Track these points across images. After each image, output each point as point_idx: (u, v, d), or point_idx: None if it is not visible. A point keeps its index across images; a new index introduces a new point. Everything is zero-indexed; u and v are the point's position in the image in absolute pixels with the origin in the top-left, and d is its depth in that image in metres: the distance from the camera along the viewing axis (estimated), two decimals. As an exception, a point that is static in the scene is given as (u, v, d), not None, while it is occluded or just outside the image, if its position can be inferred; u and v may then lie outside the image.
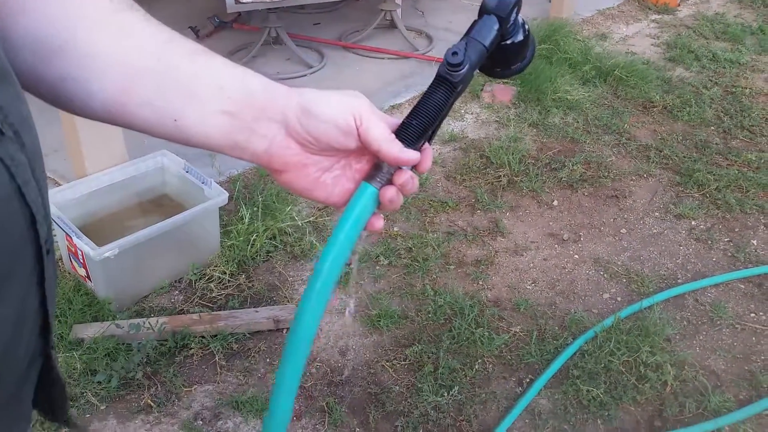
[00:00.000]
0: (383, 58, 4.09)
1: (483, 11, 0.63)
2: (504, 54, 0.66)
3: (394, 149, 0.60)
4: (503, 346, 2.18)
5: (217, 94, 0.59)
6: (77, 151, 2.48)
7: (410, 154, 0.61)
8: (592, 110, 3.62)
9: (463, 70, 0.61)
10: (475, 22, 0.63)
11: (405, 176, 0.61)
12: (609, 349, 2.17)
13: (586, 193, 2.96)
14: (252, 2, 3.53)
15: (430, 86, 0.63)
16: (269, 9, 3.71)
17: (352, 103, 0.60)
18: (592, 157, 3.19)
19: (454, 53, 0.60)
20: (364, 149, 0.62)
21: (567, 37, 4.18)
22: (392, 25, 4.31)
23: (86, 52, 0.56)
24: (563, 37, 4.14)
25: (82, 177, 2.49)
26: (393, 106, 3.55)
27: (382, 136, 0.60)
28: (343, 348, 2.16)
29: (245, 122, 0.59)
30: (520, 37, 0.66)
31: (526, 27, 0.67)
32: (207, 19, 4.24)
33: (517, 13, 0.64)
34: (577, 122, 3.49)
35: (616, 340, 2.20)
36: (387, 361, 2.11)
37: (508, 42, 0.65)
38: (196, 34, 4.09)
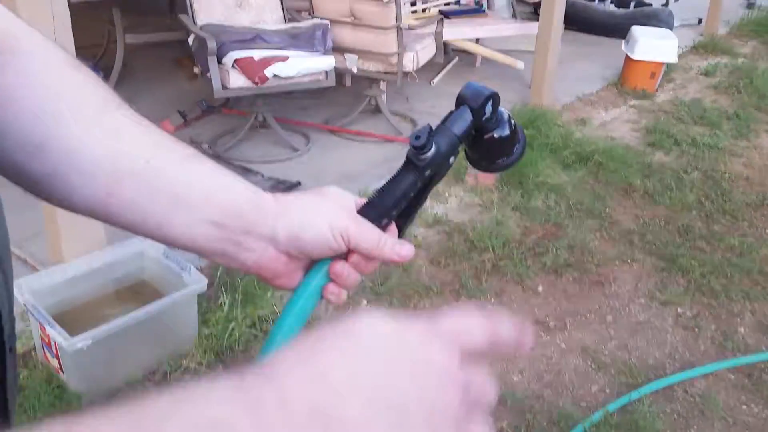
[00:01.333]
0: (368, 142, 4.14)
1: (458, 102, 0.65)
2: (488, 147, 0.68)
3: (386, 251, 0.60)
4: (489, 442, 2.10)
5: (205, 203, 0.58)
6: (55, 235, 2.45)
7: (405, 250, 0.61)
8: (574, 194, 3.65)
9: (428, 154, 0.61)
10: (450, 112, 0.65)
11: (354, 257, 0.61)
12: (599, 445, 2.10)
13: (570, 279, 2.95)
14: (239, 88, 3.58)
15: (399, 168, 0.64)
16: (256, 95, 3.77)
17: (338, 224, 0.59)
18: (575, 241, 3.19)
19: (417, 136, 0.61)
20: None
21: (548, 122, 4.27)
22: (377, 110, 4.39)
23: (72, 149, 0.56)
24: (544, 122, 4.22)
25: (59, 262, 2.44)
26: (377, 190, 3.55)
27: (372, 246, 0.60)
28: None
29: (233, 234, 0.58)
30: (505, 132, 0.67)
31: (513, 122, 0.67)
32: (195, 104, 4.29)
33: (494, 107, 0.65)
34: (559, 206, 3.52)
35: (605, 434, 2.14)
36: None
37: (492, 135, 0.66)
38: (184, 118, 4.14)
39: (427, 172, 0.62)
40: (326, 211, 0.60)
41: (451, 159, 0.64)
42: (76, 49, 2.35)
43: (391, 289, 2.76)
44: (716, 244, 3.28)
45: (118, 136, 0.57)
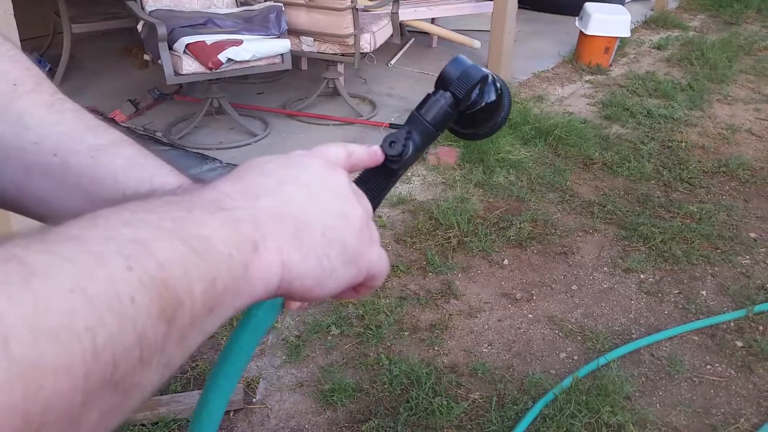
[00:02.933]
0: (328, 125, 4.10)
1: (441, 82, 0.57)
2: (471, 119, 0.61)
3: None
4: (463, 415, 2.10)
5: (121, 199, 0.52)
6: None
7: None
8: (535, 169, 3.67)
9: (405, 158, 0.56)
10: (428, 96, 0.58)
11: None
12: (570, 411, 2.11)
13: (535, 251, 2.96)
14: (192, 74, 3.50)
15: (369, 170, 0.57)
16: (210, 80, 3.69)
17: None
18: (538, 215, 3.21)
19: (392, 142, 0.55)
20: None
21: (507, 99, 4.26)
22: (335, 93, 4.34)
23: None
24: (503, 99, 4.22)
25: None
26: (339, 172, 3.52)
27: None
28: (295, 428, 2.05)
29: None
30: (491, 98, 0.60)
31: (499, 86, 0.61)
32: (147, 92, 4.18)
33: (483, 89, 0.58)
34: (521, 181, 3.53)
35: (576, 401, 2.15)
36: (342, 439, 2.00)
37: (477, 108, 0.60)
38: (136, 107, 4.03)
39: (401, 172, 0.57)
40: None
41: (428, 147, 0.58)
42: (21, 41, 2.26)
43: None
44: (675, 211, 3.33)
45: (28, 126, 0.52)
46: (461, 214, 3.11)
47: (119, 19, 4.43)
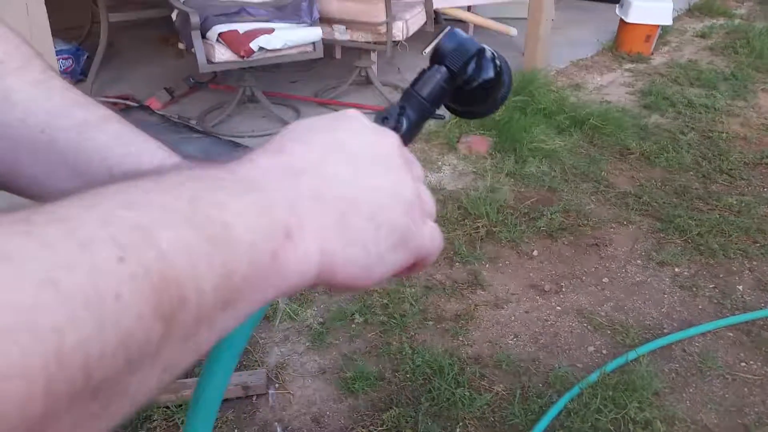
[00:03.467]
0: (359, 114, 4.08)
1: (436, 57, 0.56)
2: (468, 96, 0.59)
3: None
4: (485, 406, 2.07)
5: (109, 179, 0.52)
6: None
7: None
8: (569, 159, 3.60)
9: (399, 134, 0.52)
10: (423, 72, 0.56)
11: None
12: (595, 406, 2.07)
13: (566, 242, 2.91)
14: (225, 62, 3.52)
15: None
16: (243, 68, 3.71)
17: None
18: (570, 205, 3.15)
19: (385, 118, 0.53)
20: None
21: (541, 88, 4.20)
22: (368, 81, 4.33)
23: None
24: (537, 88, 4.16)
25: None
26: (369, 161, 3.50)
27: None
28: (316, 414, 2.05)
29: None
30: (489, 74, 0.57)
31: (498, 63, 0.58)
32: (182, 80, 4.23)
33: (479, 63, 0.56)
34: (554, 171, 3.47)
35: (602, 396, 2.11)
36: (363, 427, 2.00)
37: (475, 85, 0.58)
38: (171, 95, 4.08)
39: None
40: None
41: (424, 123, 0.56)
42: (59, 31, 2.30)
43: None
44: (714, 203, 3.23)
45: (11, 102, 0.51)
46: (491, 204, 3.07)
47: (155, 9, 4.48)
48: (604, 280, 2.70)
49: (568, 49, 5.35)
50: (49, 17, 2.39)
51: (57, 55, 3.99)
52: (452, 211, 3.05)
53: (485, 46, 0.56)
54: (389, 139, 0.42)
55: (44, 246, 0.24)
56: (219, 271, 0.30)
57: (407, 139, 0.54)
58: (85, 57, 4.33)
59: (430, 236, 0.43)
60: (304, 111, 4.06)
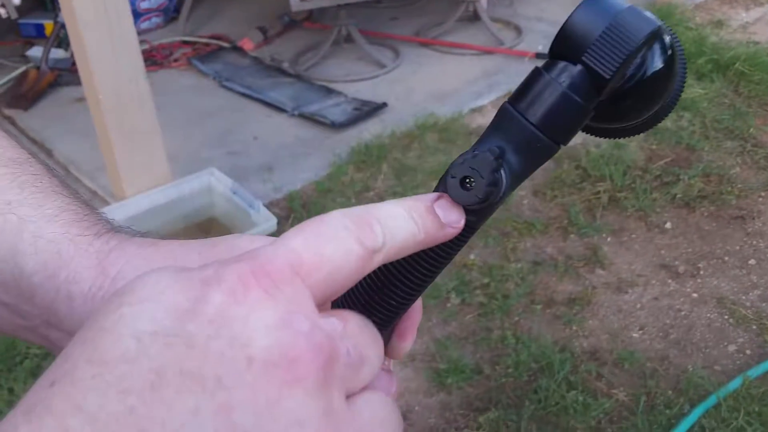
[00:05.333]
0: (465, 54, 3.69)
1: (557, 51, 0.31)
2: (622, 104, 0.33)
3: None
4: (602, 416, 1.76)
5: None
6: (114, 172, 2.25)
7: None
8: (710, 110, 3.09)
9: (493, 200, 0.31)
10: (534, 75, 0.32)
11: None
12: (737, 423, 1.71)
13: (705, 214, 2.47)
14: (318, -2, 3.22)
15: None
16: (339, 5, 3.40)
17: None
18: (711, 168, 2.68)
19: (468, 180, 0.30)
20: None
21: (677, 25, 3.67)
22: (476, 17, 3.91)
23: None
24: (673, 25, 3.62)
25: (121, 198, 2.26)
26: (473, 109, 3.15)
27: None
28: (404, 407, 1.81)
29: (29, 321, 0.34)
30: (657, 63, 0.32)
31: (668, 39, 0.32)
32: (276, 18, 3.98)
33: (647, 52, 0.32)
34: (693, 125, 2.98)
35: (745, 410, 1.74)
36: (456, 430, 1.74)
37: (630, 86, 0.32)
38: (265, 34, 3.84)
39: (480, 224, 0.32)
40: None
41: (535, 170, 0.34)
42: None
43: (486, 225, 2.41)
44: None
45: None
46: (615, 164, 2.65)
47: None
48: (750, 262, 2.27)
49: (710, -21, 4.66)
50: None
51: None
52: (569, 171, 2.66)
53: (658, 21, 0.31)
54: (304, 381, 0.22)
55: None
56: None
57: (497, 203, 0.32)
58: (177, -2, 4.15)
59: None
60: (404, 51, 3.71)
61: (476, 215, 0.31)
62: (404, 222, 0.27)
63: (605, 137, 0.37)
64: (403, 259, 0.30)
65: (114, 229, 0.36)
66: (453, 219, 0.29)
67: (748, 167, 2.73)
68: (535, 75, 0.31)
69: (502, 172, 0.30)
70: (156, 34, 3.98)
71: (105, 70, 2.10)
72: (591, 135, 0.36)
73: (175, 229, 2.29)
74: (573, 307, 2.09)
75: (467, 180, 0.29)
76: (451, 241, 0.31)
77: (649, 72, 0.32)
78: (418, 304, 0.34)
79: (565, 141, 0.32)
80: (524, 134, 0.31)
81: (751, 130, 2.95)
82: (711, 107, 3.11)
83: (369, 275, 0.30)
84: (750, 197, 2.56)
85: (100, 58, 2.08)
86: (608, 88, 0.31)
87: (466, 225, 0.31)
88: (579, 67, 0.30)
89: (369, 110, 3.08)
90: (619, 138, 0.38)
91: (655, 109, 0.34)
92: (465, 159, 0.29)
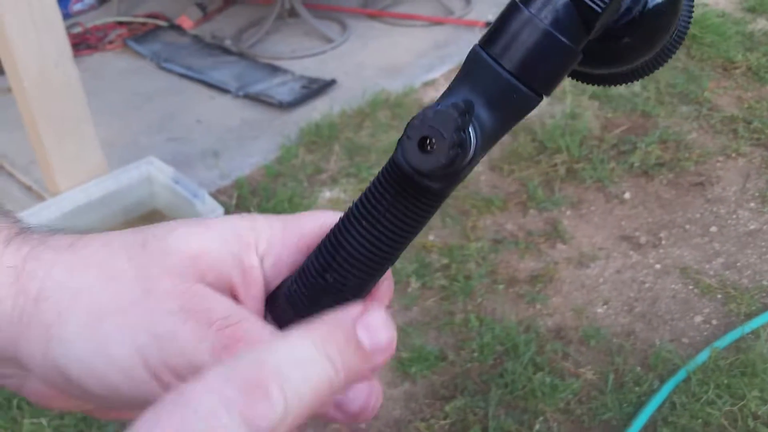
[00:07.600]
0: (415, 26, 3.58)
1: None
2: (617, 44, 0.30)
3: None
4: (571, 396, 1.71)
5: None
6: (45, 164, 2.10)
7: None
8: (664, 75, 3.05)
9: (461, 166, 0.27)
10: (508, 12, 0.27)
11: None
12: (707, 397, 1.68)
13: (664, 182, 2.43)
14: (259, -29, 3.06)
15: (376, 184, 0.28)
16: (281, -23, 3.25)
17: (165, 346, 0.28)
18: (668, 134, 2.65)
19: (427, 140, 0.24)
20: None
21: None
22: (424, -13, 3.79)
23: None
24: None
25: (56, 194, 2.11)
26: (426, 83, 3.05)
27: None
28: (367, 401, 1.73)
29: None
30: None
31: None
32: (216, -7, 3.79)
33: None
34: (647, 91, 2.94)
35: (715, 382, 1.72)
36: (422, 421, 1.67)
37: (626, 22, 0.29)
38: (203, 11, 3.65)
39: (449, 191, 0.29)
40: (139, 320, 0.29)
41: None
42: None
43: (445, 204, 2.33)
44: (844, 128, 2.67)
45: None
46: (571, 135, 2.60)
47: None
48: (711, 229, 2.24)
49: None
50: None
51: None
52: (525, 144, 2.60)
53: None
54: None
55: None
56: None
57: (468, 169, 0.28)
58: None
59: None
60: (351, 24, 3.58)
61: (442, 182, 0.27)
62: (314, 368, 0.19)
63: (595, 84, 0.34)
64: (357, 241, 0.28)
65: (22, 229, 0.32)
66: (382, 340, 0.21)
67: (705, 132, 2.70)
68: (510, 10, 0.26)
69: (470, 130, 0.25)
70: (90, 16, 3.75)
71: (28, 55, 1.94)
72: (579, 81, 0.33)
73: (116, 223, 2.15)
74: (536, 284, 2.03)
75: (427, 141, 0.24)
76: (419, 211, 0.28)
77: (651, 4, 0.28)
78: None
79: (548, 91, 0.28)
80: (498, 84, 0.26)
81: (706, 93, 2.93)
82: (664, 71, 3.07)
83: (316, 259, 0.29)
84: (708, 162, 2.53)
85: (22, 42, 1.91)
86: (600, 24, 0.27)
87: (432, 193, 0.27)
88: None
89: (318, 88, 2.96)
90: (612, 85, 0.34)
91: (656, 50, 0.30)
92: (425, 116, 0.24)
